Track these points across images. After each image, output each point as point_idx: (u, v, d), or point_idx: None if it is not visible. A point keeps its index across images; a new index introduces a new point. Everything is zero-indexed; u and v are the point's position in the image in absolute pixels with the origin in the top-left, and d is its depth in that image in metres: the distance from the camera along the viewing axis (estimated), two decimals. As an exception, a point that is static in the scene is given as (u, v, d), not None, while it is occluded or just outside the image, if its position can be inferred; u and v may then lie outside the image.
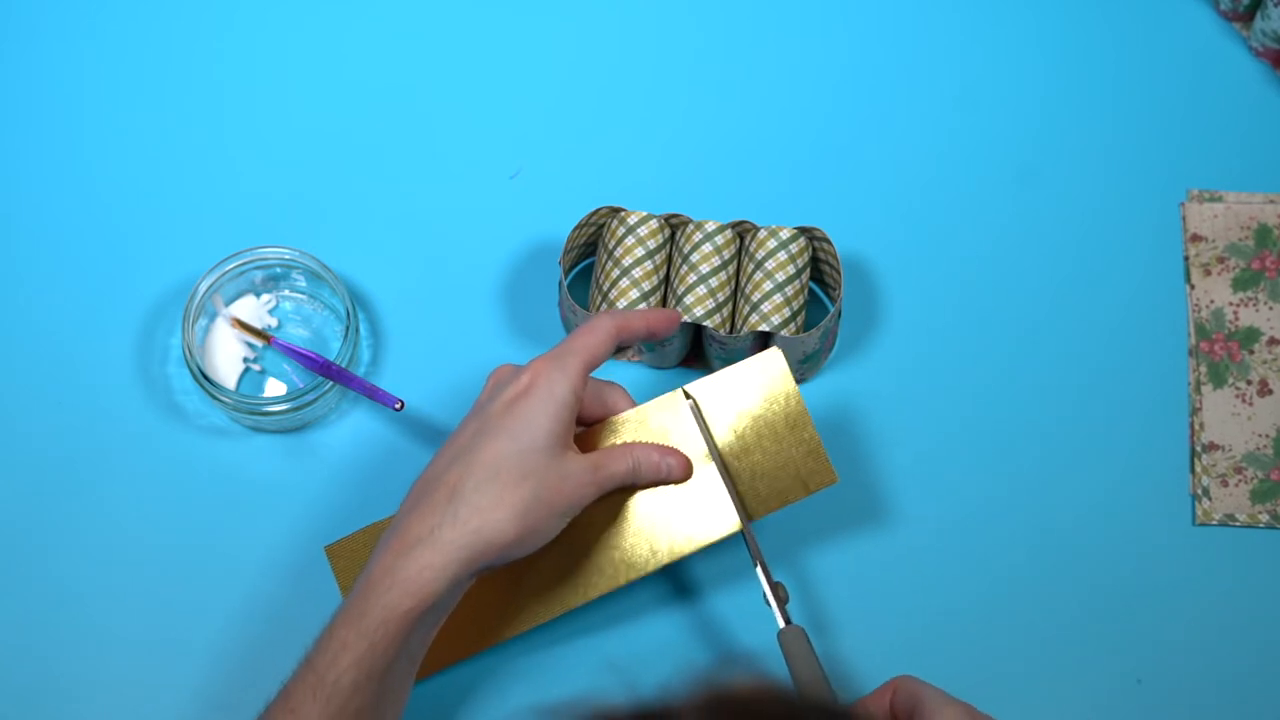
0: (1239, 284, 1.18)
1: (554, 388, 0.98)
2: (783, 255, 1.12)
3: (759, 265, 1.12)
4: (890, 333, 1.18)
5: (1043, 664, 1.12)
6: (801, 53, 1.23)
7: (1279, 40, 1.20)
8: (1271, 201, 1.20)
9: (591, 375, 1.01)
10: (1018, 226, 1.20)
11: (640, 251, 1.12)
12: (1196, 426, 1.16)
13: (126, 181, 1.19)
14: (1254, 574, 1.14)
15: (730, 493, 1.05)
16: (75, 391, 1.15)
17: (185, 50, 1.22)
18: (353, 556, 1.06)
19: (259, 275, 1.16)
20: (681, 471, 1.04)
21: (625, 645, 1.11)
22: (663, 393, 1.06)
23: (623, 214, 1.13)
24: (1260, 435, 1.16)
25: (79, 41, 1.22)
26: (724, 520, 1.05)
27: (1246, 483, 1.15)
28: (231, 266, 1.14)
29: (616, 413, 1.05)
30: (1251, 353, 1.17)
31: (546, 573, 1.04)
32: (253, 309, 1.16)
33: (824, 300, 1.18)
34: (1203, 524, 1.14)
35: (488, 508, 0.96)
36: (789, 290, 1.12)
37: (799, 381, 1.16)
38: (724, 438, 1.06)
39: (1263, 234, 1.19)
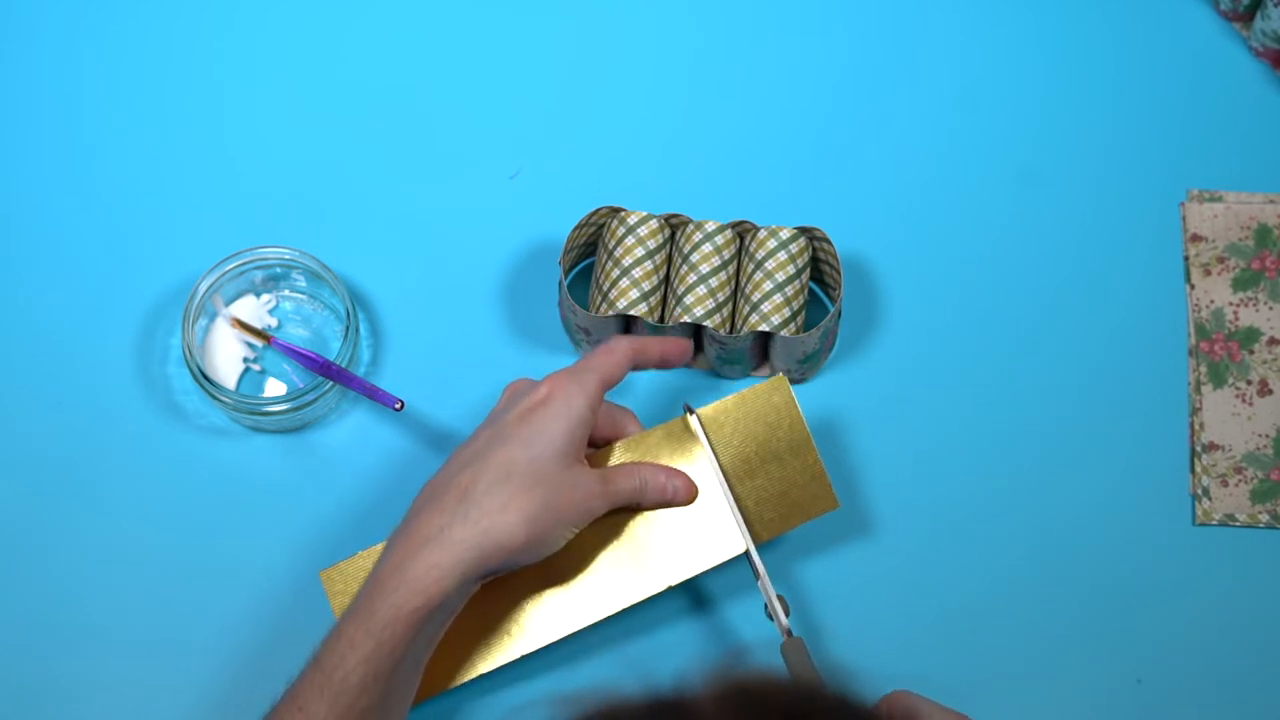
0: (1239, 284, 1.18)
1: (571, 401, 0.99)
2: (783, 255, 1.12)
3: (759, 265, 1.12)
4: (890, 333, 1.18)
5: (1043, 664, 1.12)
6: (801, 53, 1.23)
7: (1279, 40, 1.20)
8: (1271, 201, 1.20)
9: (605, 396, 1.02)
10: (1018, 226, 1.20)
11: (640, 251, 1.12)
12: (1196, 426, 1.16)
13: (126, 181, 1.19)
14: (1254, 574, 1.14)
15: (734, 514, 1.05)
16: (75, 391, 1.15)
17: (185, 50, 1.22)
18: (348, 581, 1.06)
19: (259, 275, 1.15)
20: (686, 494, 1.05)
21: (638, 646, 1.11)
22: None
23: (623, 214, 1.13)
24: (1260, 435, 1.16)
25: (79, 41, 1.22)
26: (729, 543, 1.06)
27: (1246, 483, 1.15)
28: (231, 266, 1.14)
29: (626, 436, 1.06)
30: (1251, 353, 1.17)
31: (550, 592, 1.05)
32: (253, 309, 1.16)
33: (824, 300, 1.18)
34: (1203, 524, 1.14)
35: (497, 510, 0.96)
36: (789, 290, 1.12)
37: (799, 381, 1.16)
38: (728, 461, 1.07)
39: (1263, 234, 1.19)
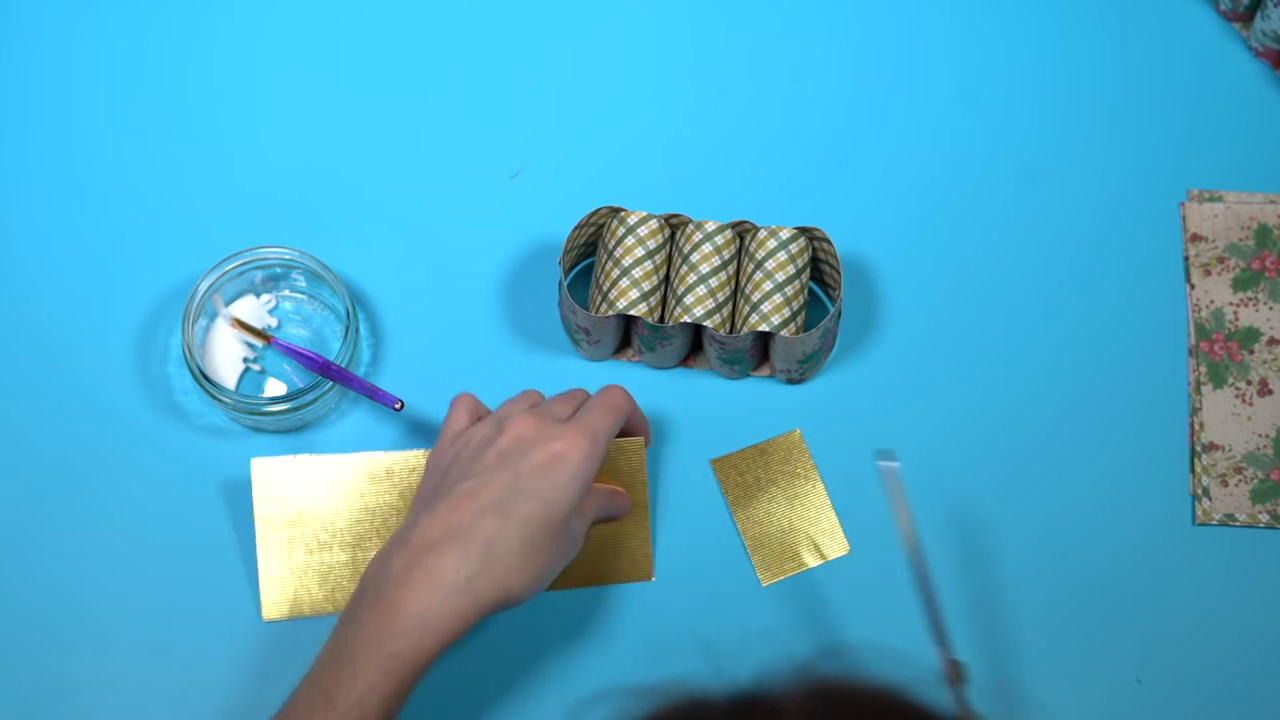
0: (1239, 284, 1.18)
1: (588, 464, 1.03)
2: (783, 255, 1.12)
3: (759, 265, 1.12)
4: (890, 333, 1.18)
5: (1043, 664, 1.12)
6: (801, 53, 1.23)
7: (1279, 40, 1.20)
8: (1271, 201, 1.20)
9: None
10: (1018, 226, 1.20)
11: (640, 251, 1.12)
12: (1196, 426, 1.16)
13: (126, 181, 1.19)
14: (1254, 574, 1.14)
15: (917, 572, 1.05)
16: (75, 391, 1.15)
17: (185, 50, 1.22)
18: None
19: (259, 275, 1.15)
20: (628, 508, 1.12)
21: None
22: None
23: (623, 214, 1.13)
24: (1260, 435, 1.16)
25: (78, 41, 1.22)
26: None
27: (1246, 483, 1.15)
28: (231, 266, 1.14)
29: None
30: (1251, 353, 1.17)
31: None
32: (253, 309, 1.16)
33: (824, 300, 1.18)
34: (1203, 524, 1.14)
35: (518, 568, 1.00)
36: (789, 290, 1.12)
37: (799, 381, 1.16)
38: (750, 504, 1.12)
39: (1263, 234, 1.19)
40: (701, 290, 1.12)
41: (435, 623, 0.98)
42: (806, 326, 1.14)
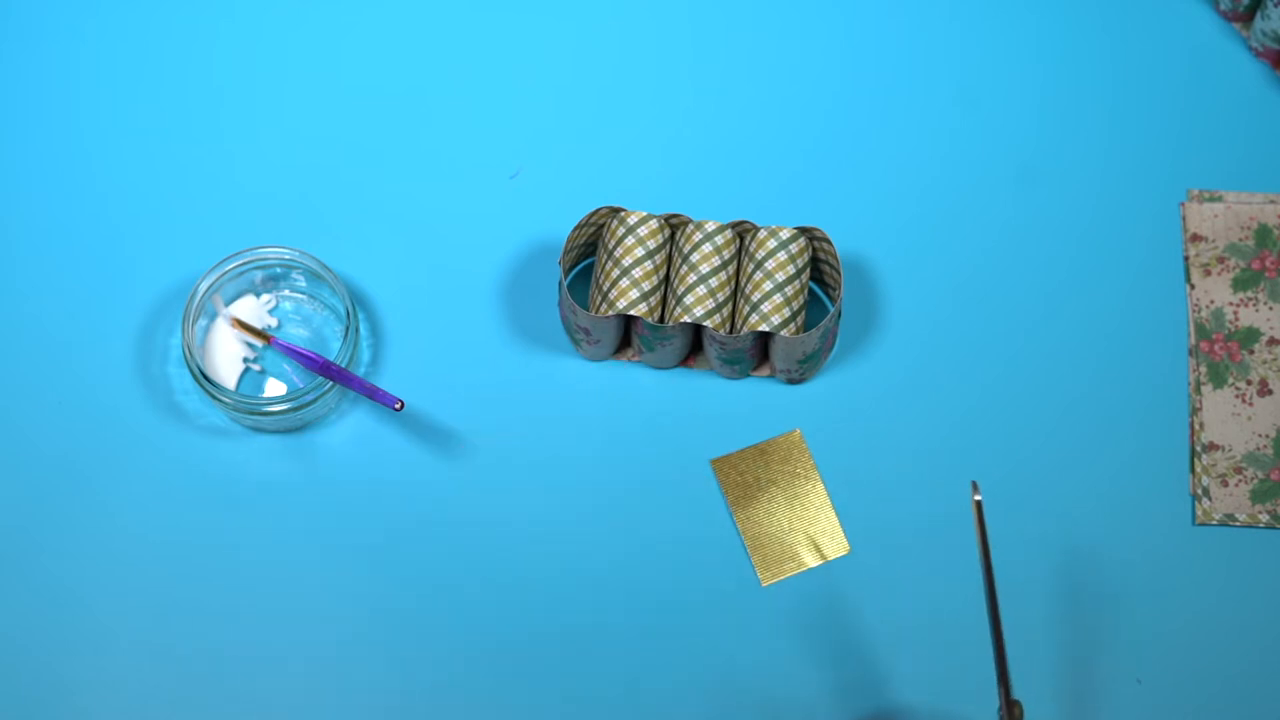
0: (1239, 284, 1.18)
1: None
2: (783, 255, 1.12)
3: (759, 265, 1.12)
4: (890, 333, 1.18)
5: (1043, 664, 1.12)
6: (801, 53, 1.23)
7: (1279, 40, 1.20)
8: (1271, 201, 1.20)
9: None
10: (1017, 226, 1.20)
11: (640, 251, 1.12)
12: (1196, 426, 1.16)
13: (126, 181, 1.19)
14: (1254, 574, 1.14)
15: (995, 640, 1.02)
16: (75, 391, 1.15)
17: (185, 51, 1.22)
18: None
19: (259, 275, 1.16)
20: None
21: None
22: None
23: (623, 214, 1.13)
24: (1260, 435, 1.16)
25: (78, 41, 1.22)
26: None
27: (1246, 483, 1.15)
28: (231, 266, 1.14)
29: None
30: (1251, 353, 1.17)
31: None
32: (253, 309, 1.16)
33: (824, 300, 1.18)
34: (1203, 524, 1.14)
35: None
36: (789, 290, 1.12)
37: (799, 381, 1.16)
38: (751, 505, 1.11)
39: (1263, 234, 1.19)
40: (701, 290, 1.12)
41: None
42: (806, 326, 1.14)
